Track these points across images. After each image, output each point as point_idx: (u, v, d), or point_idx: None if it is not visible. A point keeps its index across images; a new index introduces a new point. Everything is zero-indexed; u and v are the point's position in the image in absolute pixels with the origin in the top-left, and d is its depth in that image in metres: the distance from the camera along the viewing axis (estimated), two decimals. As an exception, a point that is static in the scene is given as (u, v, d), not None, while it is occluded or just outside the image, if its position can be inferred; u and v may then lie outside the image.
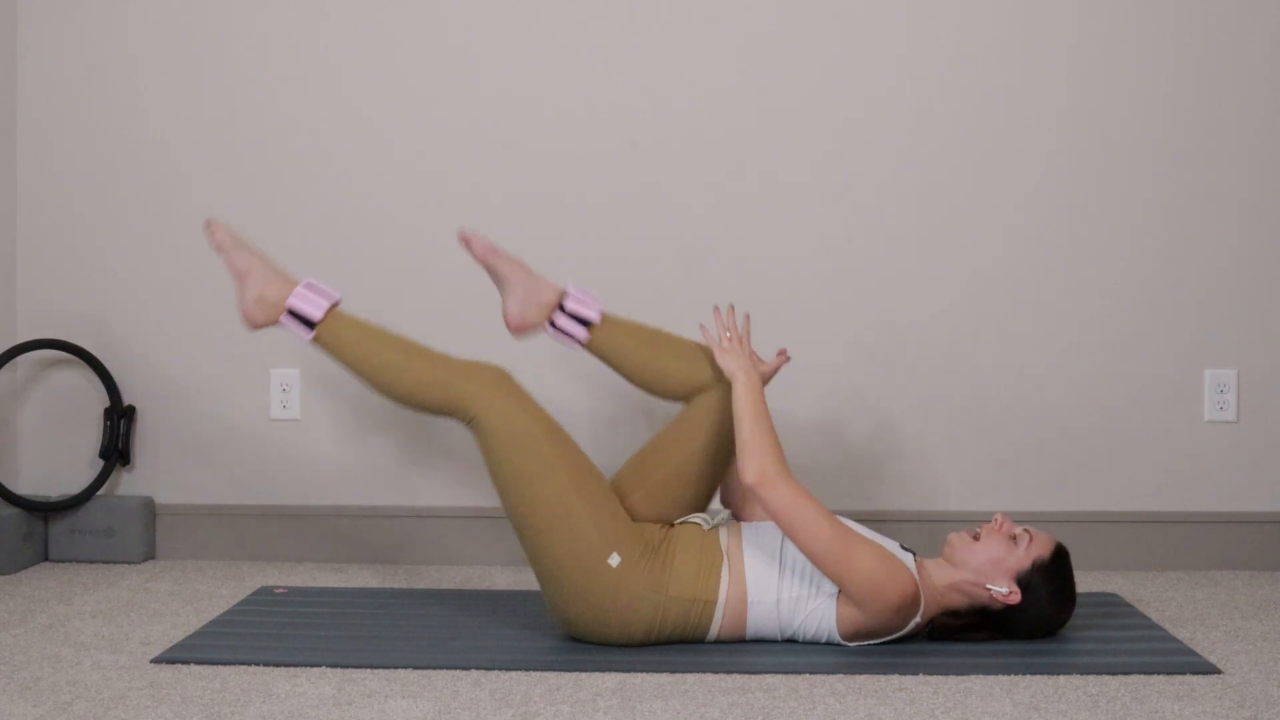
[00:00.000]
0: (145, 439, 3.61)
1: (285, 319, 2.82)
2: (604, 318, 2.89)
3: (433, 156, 3.54)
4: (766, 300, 3.49)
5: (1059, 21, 3.45)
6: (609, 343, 2.90)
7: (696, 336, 3.45)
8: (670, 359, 2.88)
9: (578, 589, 2.66)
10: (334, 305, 2.83)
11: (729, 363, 2.77)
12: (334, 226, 3.56)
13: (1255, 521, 3.46)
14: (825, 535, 2.60)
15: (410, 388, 2.77)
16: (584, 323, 2.88)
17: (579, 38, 3.51)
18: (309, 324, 2.81)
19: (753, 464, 2.64)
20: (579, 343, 2.90)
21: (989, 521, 2.77)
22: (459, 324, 3.55)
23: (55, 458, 3.61)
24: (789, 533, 2.63)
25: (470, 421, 2.74)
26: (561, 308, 2.89)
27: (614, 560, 2.66)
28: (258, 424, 3.58)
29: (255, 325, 2.86)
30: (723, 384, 2.81)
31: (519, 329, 2.91)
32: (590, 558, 2.65)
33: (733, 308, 2.86)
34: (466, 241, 2.92)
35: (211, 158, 3.57)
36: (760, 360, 2.84)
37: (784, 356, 2.89)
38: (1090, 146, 3.46)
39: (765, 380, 2.83)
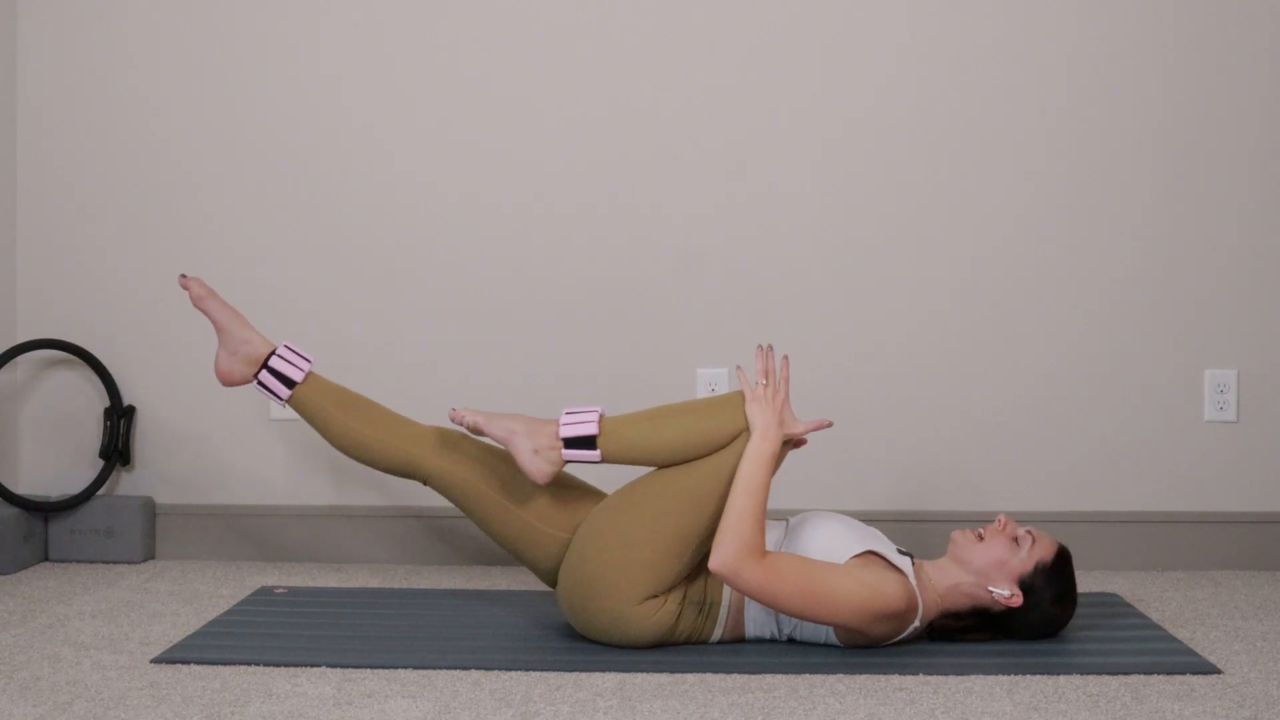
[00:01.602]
0: (145, 439, 3.60)
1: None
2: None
3: (431, 160, 3.53)
4: (766, 303, 3.50)
5: (1058, 24, 3.45)
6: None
7: (696, 340, 3.46)
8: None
9: (601, 609, 2.68)
10: (599, 415, 2.76)
11: (755, 414, 2.68)
12: (334, 227, 3.55)
13: (1255, 521, 3.46)
14: (799, 602, 2.58)
15: (715, 440, 2.70)
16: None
17: (578, 44, 3.51)
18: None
19: (717, 553, 2.58)
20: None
21: (991, 522, 2.77)
22: (459, 327, 3.55)
23: (55, 458, 3.61)
24: (769, 606, 2.62)
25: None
26: (267, 365, 2.91)
27: (649, 604, 2.68)
28: (258, 424, 3.58)
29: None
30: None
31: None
32: (642, 588, 2.67)
33: (771, 348, 2.74)
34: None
35: (211, 158, 3.57)
36: (794, 418, 2.72)
37: (826, 423, 2.75)
38: (1090, 147, 3.46)
39: (792, 440, 2.72)
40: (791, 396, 3.35)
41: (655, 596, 2.66)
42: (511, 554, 2.85)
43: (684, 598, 2.69)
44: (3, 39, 3.55)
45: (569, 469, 3.06)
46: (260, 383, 2.90)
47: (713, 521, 2.66)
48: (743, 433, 2.69)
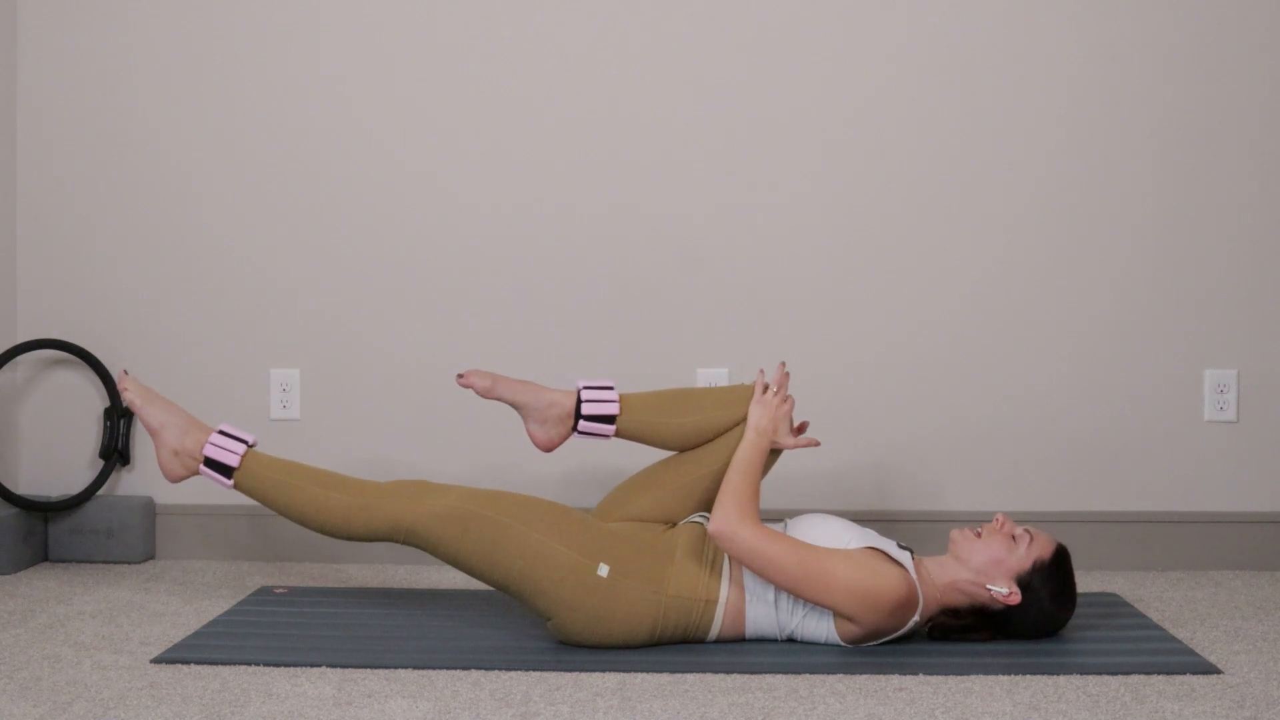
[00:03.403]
0: (145, 439, 3.60)
1: (204, 469, 2.88)
2: (623, 402, 2.86)
3: (432, 161, 3.53)
4: (766, 303, 3.49)
5: (1057, 26, 3.45)
6: (635, 426, 2.87)
7: (696, 341, 3.46)
8: (699, 415, 2.87)
9: (576, 608, 2.67)
10: (250, 447, 2.87)
11: (756, 415, 2.80)
12: (335, 228, 3.55)
13: (1255, 521, 3.46)
14: (795, 571, 2.61)
15: (335, 519, 2.80)
16: (606, 418, 2.87)
17: (578, 47, 3.50)
18: (227, 471, 2.85)
19: (717, 515, 2.67)
20: (608, 437, 2.90)
21: (990, 521, 2.77)
22: (459, 328, 3.54)
23: (55, 458, 3.61)
24: (760, 575, 2.65)
25: (406, 538, 2.77)
26: (580, 413, 2.87)
27: (603, 570, 2.67)
28: (258, 424, 3.58)
29: (175, 478, 2.92)
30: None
31: (548, 448, 2.91)
32: (579, 577, 2.67)
33: (787, 374, 2.87)
34: (467, 383, 2.90)
35: (211, 158, 3.57)
36: (789, 432, 2.84)
37: (813, 442, 2.87)
38: (1090, 148, 3.46)
39: (781, 448, 2.84)
40: (792, 396, 3.35)
41: (608, 568, 2.65)
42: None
43: (667, 589, 2.67)
44: (3, 39, 3.55)
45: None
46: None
47: (537, 526, 2.69)
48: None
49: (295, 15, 3.54)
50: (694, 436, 2.86)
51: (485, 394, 2.90)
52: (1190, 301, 3.47)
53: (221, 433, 2.89)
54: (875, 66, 3.48)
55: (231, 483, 2.87)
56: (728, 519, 2.66)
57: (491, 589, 3.25)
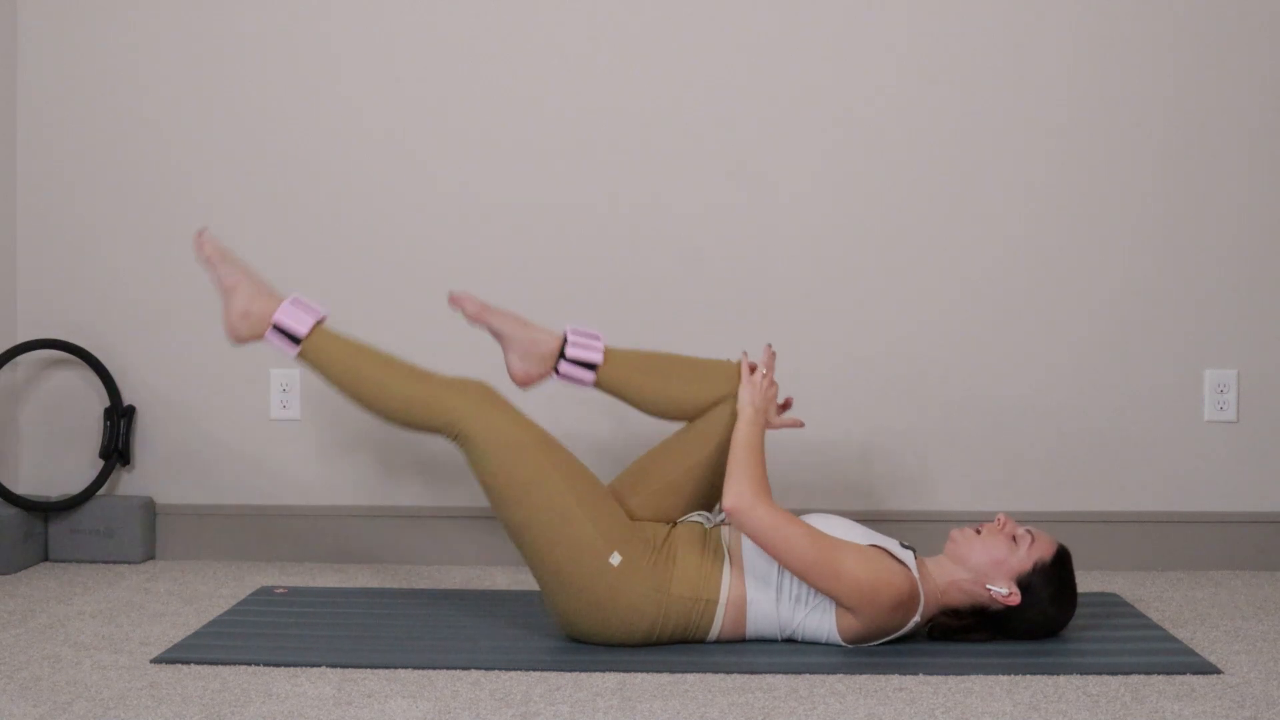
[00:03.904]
0: (145, 439, 3.61)
1: (270, 334, 2.83)
2: (608, 354, 2.88)
3: (433, 160, 3.53)
4: (766, 303, 3.50)
5: (1058, 24, 3.45)
6: (616, 379, 2.88)
7: (696, 340, 3.46)
8: (680, 384, 2.88)
9: (580, 590, 2.66)
10: (320, 321, 2.85)
11: (747, 397, 2.80)
12: (336, 228, 3.55)
13: (1255, 521, 3.46)
14: (808, 554, 2.61)
15: (395, 405, 2.78)
16: (588, 365, 2.87)
17: (578, 44, 3.51)
18: (294, 340, 2.82)
19: (732, 490, 2.66)
20: (587, 385, 2.91)
21: (991, 521, 2.77)
22: (459, 327, 3.54)
23: (55, 458, 3.61)
24: (771, 555, 2.65)
25: (458, 437, 2.75)
26: (563, 355, 2.88)
27: (615, 559, 2.66)
28: (258, 424, 3.58)
29: (240, 340, 2.87)
30: (734, 401, 2.83)
31: (524, 383, 2.92)
32: (591, 558, 2.65)
33: (774, 354, 2.87)
34: (458, 303, 2.93)
35: (211, 158, 3.57)
36: (777, 409, 2.87)
37: (798, 423, 2.90)
38: (1090, 147, 3.46)
39: (768, 428, 2.84)
40: (792, 396, 3.35)
41: (624, 553, 2.65)
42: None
43: (669, 588, 2.67)
44: (3, 39, 3.55)
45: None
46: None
47: (564, 480, 2.68)
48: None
49: (296, 14, 3.54)
50: (671, 405, 2.86)
51: (473, 318, 2.89)
52: (1190, 301, 3.47)
53: (294, 301, 2.84)
54: (879, 66, 3.48)
55: (297, 351, 2.81)
56: (743, 495, 2.65)
57: (491, 589, 3.25)
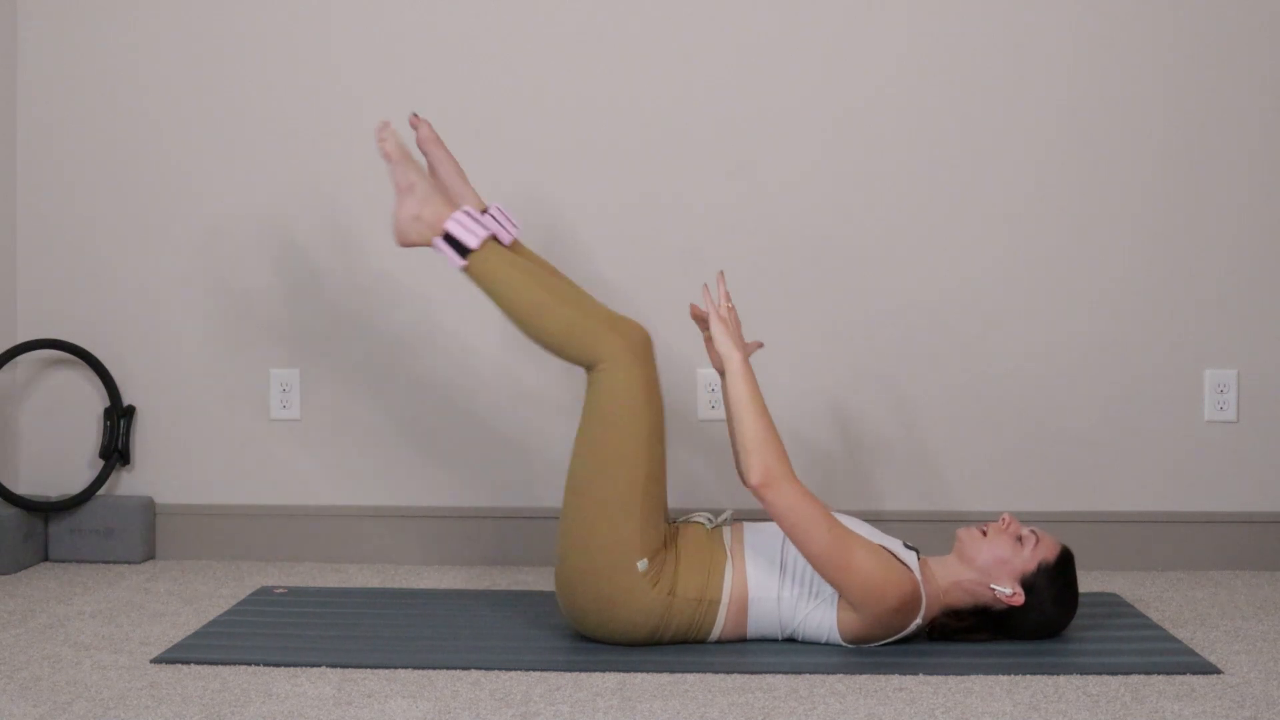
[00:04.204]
0: (145, 439, 3.61)
1: (438, 242, 2.76)
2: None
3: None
4: (767, 300, 3.49)
5: (1058, 19, 3.45)
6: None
7: (697, 339, 3.46)
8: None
9: (599, 578, 2.65)
10: (490, 237, 2.78)
11: (723, 342, 2.72)
12: (335, 227, 3.55)
13: (1255, 521, 3.46)
14: (825, 539, 2.59)
15: (554, 329, 2.71)
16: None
17: (578, 40, 3.51)
18: (462, 251, 2.75)
19: (757, 464, 2.61)
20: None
21: (996, 521, 2.77)
22: (458, 323, 3.54)
23: (55, 458, 3.61)
24: (790, 534, 2.61)
25: (593, 370, 2.69)
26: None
27: (642, 565, 2.65)
28: (258, 424, 3.58)
29: (407, 243, 2.79)
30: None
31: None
32: (622, 555, 2.64)
33: (722, 274, 2.82)
34: (414, 124, 2.99)
35: (212, 157, 3.57)
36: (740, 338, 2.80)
37: (758, 344, 2.88)
38: (1090, 145, 3.46)
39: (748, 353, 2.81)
40: (792, 394, 3.36)
41: (647, 564, 2.64)
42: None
43: (674, 589, 2.67)
44: (3, 39, 3.55)
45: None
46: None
47: (642, 466, 2.66)
48: (580, 343, 2.69)
49: (296, 14, 3.54)
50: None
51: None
52: (1190, 301, 3.47)
53: (467, 212, 2.77)
54: (878, 59, 3.48)
55: (464, 263, 2.74)
56: (770, 470, 2.59)
57: (491, 589, 3.25)
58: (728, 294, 2.82)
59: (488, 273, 2.75)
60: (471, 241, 2.74)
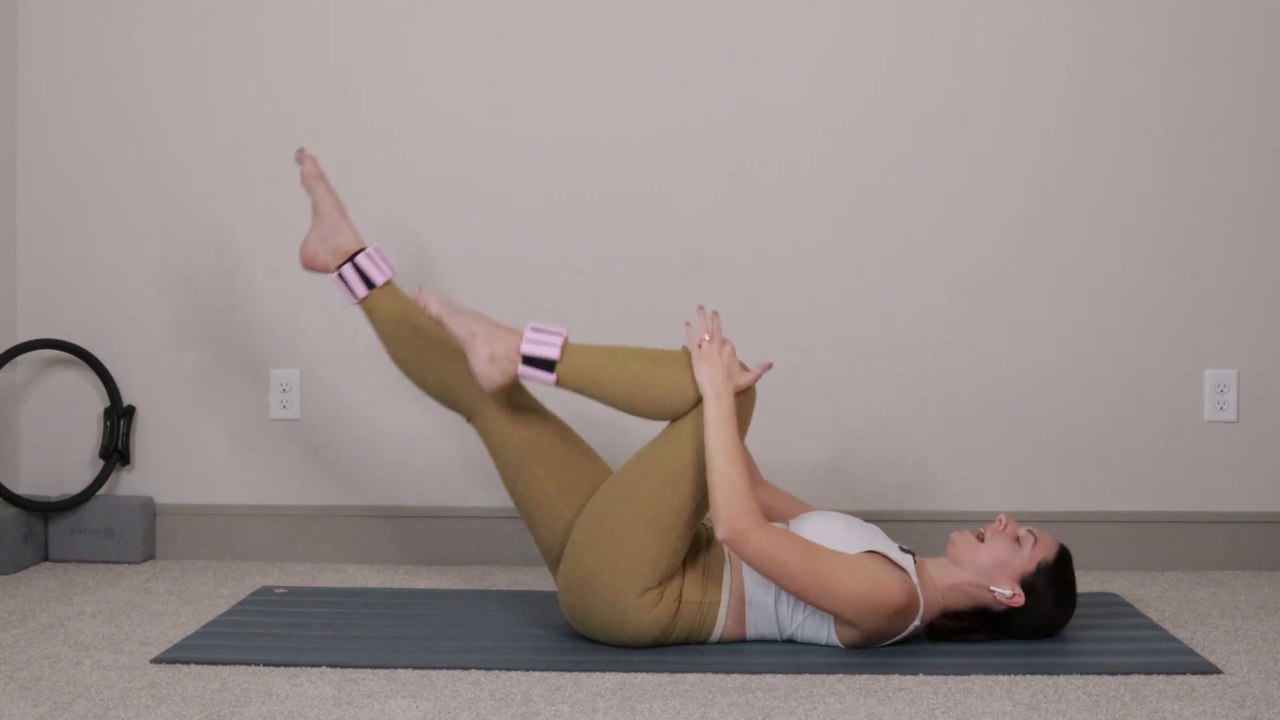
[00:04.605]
0: (145, 439, 3.60)
1: (524, 368, 2.71)
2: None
3: (433, 159, 3.53)
4: (765, 300, 3.50)
5: (1056, 20, 3.45)
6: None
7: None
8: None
9: (614, 593, 2.65)
10: (564, 340, 2.74)
11: (702, 374, 2.67)
12: (334, 226, 3.55)
13: (1255, 521, 3.46)
14: (803, 578, 2.58)
15: (663, 393, 2.70)
16: (369, 283, 2.93)
17: (577, 39, 3.51)
18: (549, 366, 2.71)
19: (723, 521, 2.59)
20: (355, 300, 2.95)
21: (992, 522, 2.77)
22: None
23: (55, 458, 3.61)
24: (768, 578, 2.63)
25: (678, 420, 2.70)
26: (354, 260, 2.94)
27: (649, 595, 2.67)
28: (258, 424, 3.58)
29: (494, 386, 2.73)
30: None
31: (308, 263, 3.00)
32: (643, 574, 2.65)
33: (716, 313, 2.76)
34: (300, 159, 3.02)
35: (212, 157, 3.57)
36: (741, 370, 2.70)
37: (767, 365, 2.75)
38: (1090, 145, 3.46)
39: (741, 390, 2.69)
40: (792, 394, 3.35)
41: (651, 589, 2.65)
42: (524, 519, 2.81)
43: (680, 594, 2.69)
44: (3, 39, 3.55)
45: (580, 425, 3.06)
46: (341, 276, 2.93)
47: (691, 500, 2.66)
48: (691, 395, 2.68)
49: (296, 13, 3.54)
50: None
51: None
52: (1190, 301, 3.47)
53: (533, 328, 2.72)
54: (876, 61, 3.48)
55: (554, 377, 2.70)
56: (736, 523, 2.58)
57: (491, 590, 3.25)
58: (718, 330, 2.73)
59: (581, 371, 2.71)
60: (551, 352, 2.70)
